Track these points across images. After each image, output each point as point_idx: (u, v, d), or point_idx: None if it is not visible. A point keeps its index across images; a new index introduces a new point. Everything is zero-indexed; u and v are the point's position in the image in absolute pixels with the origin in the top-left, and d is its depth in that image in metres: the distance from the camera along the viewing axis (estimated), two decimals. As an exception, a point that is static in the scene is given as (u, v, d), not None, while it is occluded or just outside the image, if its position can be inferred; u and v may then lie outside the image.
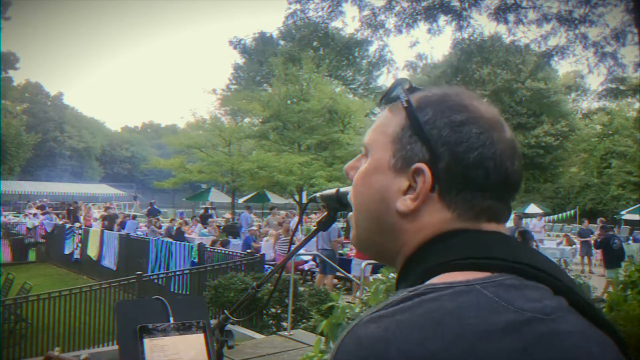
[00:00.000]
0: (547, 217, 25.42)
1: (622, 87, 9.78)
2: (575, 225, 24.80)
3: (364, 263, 7.43)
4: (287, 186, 19.15)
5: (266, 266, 9.28)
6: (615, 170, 30.67)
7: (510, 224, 10.26)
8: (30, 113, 47.71)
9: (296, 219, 18.46)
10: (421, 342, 0.49)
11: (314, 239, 9.78)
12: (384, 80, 38.59)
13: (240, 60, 39.87)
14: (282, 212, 19.98)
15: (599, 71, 7.86)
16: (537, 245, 12.31)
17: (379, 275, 3.25)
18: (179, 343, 1.27)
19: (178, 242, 11.55)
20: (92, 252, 13.71)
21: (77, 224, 16.32)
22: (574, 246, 15.06)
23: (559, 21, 7.13)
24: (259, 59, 35.14)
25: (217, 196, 28.34)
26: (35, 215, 20.67)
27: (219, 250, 10.46)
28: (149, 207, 21.01)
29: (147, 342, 1.23)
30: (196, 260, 10.31)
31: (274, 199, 25.11)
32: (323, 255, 8.89)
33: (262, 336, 6.38)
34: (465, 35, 7.60)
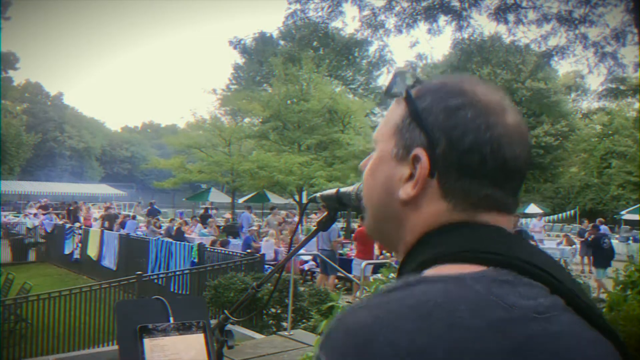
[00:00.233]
0: (547, 217, 25.43)
1: (622, 87, 9.78)
2: (575, 225, 24.81)
3: (364, 263, 7.43)
4: (287, 186, 19.16)
5: (266, 266, 9.28)
6: (615, 170, 30.67)
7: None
8: (30, 113, 47.71)
9: (296, 219, 18.48)
10: (408, 334, 0.49)
11: (314, 239, 9.78)
12: (384, 80, 38.59)
13: (240, 60, 39.89)
14: (283, 212, 19.99)
15: (599, 71, 7.87)
16: (536, 245, 12.33)
17: (379, 275, 3.25)
18: (179, 343, 1.27)
19: (178, 242, 11.55)
20: (92, 252, 13.71)
21: (77, 224, 16.32)
22: (574, 246, 15.06)
23: (559, 21, 7.13)
24: (259, 59, 35.14)
25: (217, 196, 28.34)
26: (35, 215, 20.67)
27: (219, 250, 10.46)
28: (149, 207, 21.01)
29: (147, 342, 1.23)
30: (196, 260, 10.30)
31: (274, 199, 25.11)
32: (323, 256, 8.89)
33: (262, 336, 6.38)
34: (465, 35, 7.60)
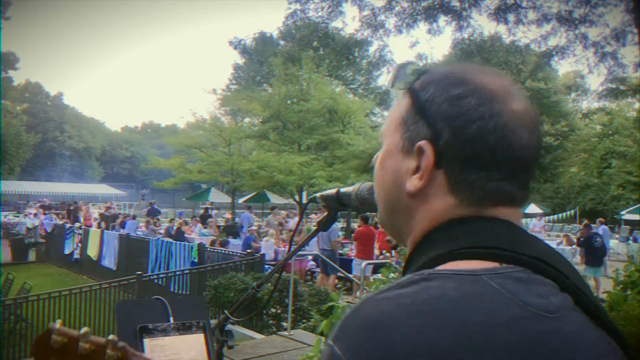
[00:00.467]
0: (547, 217, 25.43)
1: (622, 87, 9.78)
2: (575, 225, 24.80)
3: (364, 263, 7.44)
4: (287, 186, 19.16)
5: (266, 266, 9.28)
6: (615, 170, 30.67)
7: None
8: (30, 113, 47.71)
9: (296, 219, 18.48)
10: (423, 329, 0.49)
11: (314, 239, 9.79)
12: (384, 80, 38.63)
13: (240, 60, 39.89)
14: (283, 212, 19.99)
15: (599, 71, 7.87)
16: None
17: (379, 275, 3.25)
18: (179, 343, 1.27)
19: (178, 242, 11.55)
20: (92, 252, 13.71)
21: (77, 224, 16.32)
22: (573, 246, 15.04)
23: (559, 21, 7.13)
24: (259, 59, 35.14)
25: (217, 196, 28.34)
26: (35, 215, 20.68)
27: (219, 250, 10.45)
28: (149, 207, 21.01)
29: (147, 342, 1.23)
30: (196, 260, 10.30)
31: (274, 199, 25.11)
32: (323, 256, 8.90)
33: (262, 336, 6.38)
34: (465, 36, 7.60)
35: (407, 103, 0.66)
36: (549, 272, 0.57)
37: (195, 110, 53.27)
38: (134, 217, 18.10)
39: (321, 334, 3.01)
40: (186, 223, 16.79)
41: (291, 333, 5.78)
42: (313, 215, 21.32)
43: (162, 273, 10.29)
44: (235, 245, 13.37)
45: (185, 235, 14.72)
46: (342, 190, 0.99)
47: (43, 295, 7.41)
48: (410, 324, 0.50)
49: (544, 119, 33.53)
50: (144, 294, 8.15)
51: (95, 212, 22.15)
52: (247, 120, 25.49)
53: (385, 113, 36.90)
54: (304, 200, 18.94)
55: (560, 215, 28.25)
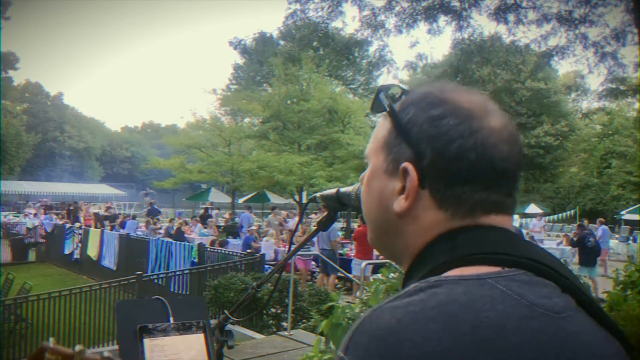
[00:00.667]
0: (547, 217, 25.44)
1: (622, 87, 9.77)
2: (575, 225, 24.76)
3: (364, 263, 7.43)
4: (287, 186, 19.16)
5: (266, 266, 9.28)
6: (615, 170, 30.67)
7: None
8: (30, 113, 47.71)
9: (296, 219, 18.48)
10: (436, 335, 0.49)
11: (314, 239, 9.78)
12: (384, 80, 38.62)
13: (240, 60, 39.91)
14: (283, 212, 19.99)
15: (599, 71, 7.86)
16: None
17: (379, 275, 3.25)
18: (178, 343, 1.27)
19: (178, 242, 11.55)
20: (92, 252, 13.71)
21: (77, 224, 16.32)
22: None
23: (559, 21, 7.13)
24: (259, 59, 35.14)
25: (217, 196, 28.34)
26: (35, 215, 20.68)
27: (219, 250, 10.45)
28: (149, 207, 21.01)
29: (147, 342, 1.23)
30: (196, 260, 10.30)
31: (274, 199, 25.11)
32: (323, 256, 8.90)
33: (262, 336, 6.38)
34: (465, 36, 7.59)
35: (388, 125, 0.67)
36: (549, 274, 0.58)
37: (195, 110, 53.26)
38: (134, 217, 18.10)
39: (321, 334, 3.01)
40: (186, 223, 16.79)
41: (291, 333, 5.78)
42: (313, 215, 21.33)
43: (162, 273, 10.29)
44: (235, 245, 13.37)
45: (185, 235, 14.73)
46: (342, 190, 0.99)
47: (43, 295, 7.41)
48: (421, 330, 0.50)
49: (544, 119, 33.58)
50: (144, 294, 8.16)
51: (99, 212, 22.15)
52: (247, 120, 25.50)
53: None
54: (304, 200, 18.93)
55: (560, 215, 28.25)
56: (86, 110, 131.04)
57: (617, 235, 20.28)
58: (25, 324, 7.60)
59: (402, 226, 0.65)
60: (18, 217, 22.79)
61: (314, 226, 1.06)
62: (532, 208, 26.01)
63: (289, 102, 21.01)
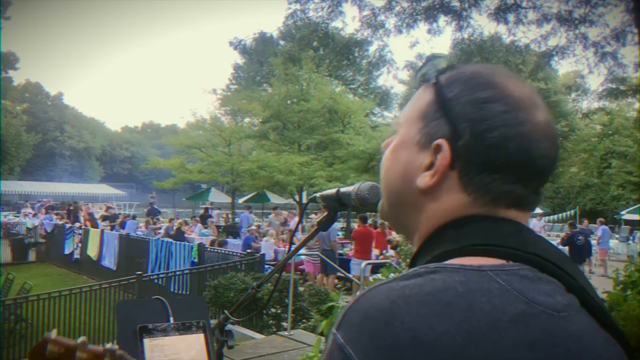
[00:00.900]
0: (547, 217, 25.44)
1: (622, 87, 9.78)
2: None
3: (364, 263, 7.44)
4: (287, 186, 19.15)
5: (266, 266, 9.28)
6: (615, 170, 30.66)
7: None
8: (30, 113, 47.70)
9: (296, 219, 18.48)
10: (427, 321, 0.49)
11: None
12: (384, 80, 38.65)
13: (240, 60, 39.89)
14: (285, 212, 20.00)
15: (599, 71, 7.88)
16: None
17: (379, 275, 3.25)
18: (178, 343, 1.27)
19: (178, 242, 11.55)
20: (92, 252, 13.71)
21: (77, 224, 16.31)
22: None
23: (559, 21, 7.13)
24: (259, 59, 35.13)
25: (217, 196, 28.35)
26: (35, 215, 20.67)
27: (219, 250, 10.45)
28: (149, 207, 21.01)
29: (147, 342, 1.23)
30: (196, 260, 10.30)
31: (274, 199, 25.11)
32: (323, 256, 8.90)
33: (262, 336, 6.38)
34: (465, 36, 7.60)
35: (430, 97, 0.65)
36: (555, 272, 0.57)
37: (195, 110, 53.42)
38: (134, 217, 18.10)
39: (321, 334, 3.01)
40: (186, 223, 16.79)
41: (291, 333, 5.78)
42: (313, 215, 21.33)
43: (162, 273, 10.29)
44: (235, 245, 13.37)
45: (185, 235, 14.73)
46: (342, 190, 0.99)
47: (43, 295, 7.40)
48: (413, 314, 0.50)
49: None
50: (144, 294, 8.15)
51: (94, 212, 22.15)
52: (247, 120, 25.49)
53: (386, 113, 36.92)
54: (304, 200, 18.94)
55: (560, 215, 28.24)
56: (86, 110, 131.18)
57: (617, 235, 20.27)
58: (25, 324, 7.60)
59: (421, 203, 0.64)
60: (18, 217, 22.79)
61: (314, 226, 1.06)
62: (532, 208, 25.97)
63: (289, 102, 21.01)
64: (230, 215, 22.92)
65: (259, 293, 1.15)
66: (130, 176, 55.94)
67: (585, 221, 18.05)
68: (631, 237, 19.16)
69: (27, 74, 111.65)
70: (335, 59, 30.74)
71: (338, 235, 12.69)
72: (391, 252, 10.70)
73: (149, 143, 63.74)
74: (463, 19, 7.33)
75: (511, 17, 7.20)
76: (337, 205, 1.02)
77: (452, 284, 0.52)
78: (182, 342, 1.27)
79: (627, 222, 23.23)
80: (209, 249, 10.64)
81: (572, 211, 27.76)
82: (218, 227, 18.47)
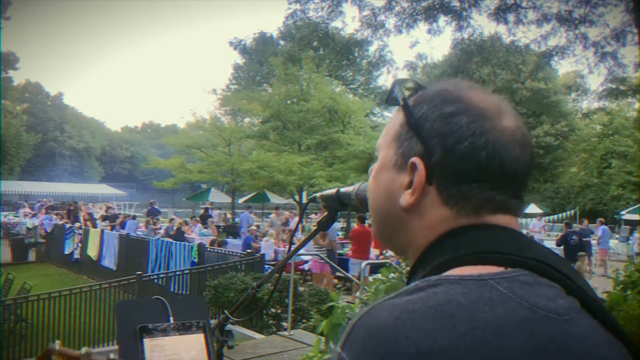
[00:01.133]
0: (547, 217, 25.43)
1: (622, 87, 9.78)
2: (575, 225, 24.77)
3: (364, 263, 7.44)
4: (287, 186, 19.15)
5: (266, 266, 9.28)
6: (615, 170, 30.67)
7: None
8: (30, 113, 47.69)
9: (296, 219, 18.48)
10: (432, 334, 0.49)
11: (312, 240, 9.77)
12: (384, 80, 38.61)
13: (240, 60, 39.89)
14: (286, 212, 20.00)
15: (599, 71, 7.87)
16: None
17: (379, 275, 3.25)
18: (178, 343, 1.27)
19: (178, 242, 11.54)
20: (92, 252, 13.71)
21: (77, 224, 16.31)
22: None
23: (559, 21, 7.13)
24: (259, 59, 35.13)
25: (217, 196, 28.35)
26: (35, 215, 20.66)
27: (219, 250, 10.45)
28: (149, 207, 21.01)
29: (147, 342, 1.23)
30: (196, 260, 10.30)
31: (274, 199, 25.11)
32: (323, 255, 8.89)
33: (262, 336, 6.37)
34: (465, 36, 7.60)
35: (401, 119, 0.67)
36: (554, 275, 0.57)
37: (195, 110, 53.41)
38: (134, 217, 18.10)
39: (321, 334, 3.01)
40: (186, 223, 16.80)
41: (291, 333, 5.78)
42: (313, 215, 21.33)
43: (162, 273, 10.29)
44: (235, 245, 13.37)
45: (185, 235, 14.73)
46: (342, 190, 1.00)
47: (43, 295, 7.41)
48: (418, 329, 0.50)
49: (544, 119, 33.57)
50: (144, 294, 8.15)
51: (94, 212, 22.15)
52: (247, 120, 25.49)
53: (386, 113, 36.92)
54: (304, 200, 18.93)
55: (560, 215, 28.23)
56: (86, 110, 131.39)
57: (617, 235, 20.28)
58: (25, 324, 7.60)
59: (407, 221, 0.65)
60: (18, 217, 22.79)
61: (314, 226, 1.06)
62: (532, 208, 26.00)
63: (289, 102, 21.01)
64: (230, 215, 22.92)
65: (259, 293, 1.15)
66: (130, 176, 55.95)
67: (585, 221, 18.04)
68: (631, 237, 19.17)
69: (27, 74, 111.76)
70: (335, 59, 30.72)
71: (338, 235, 12.70)
72: (391, 252, 10.70)
73: (149, 143, 63.74)
74: (463, 19, 7.33)
75: (511, 17, 7.20)
76: (337, 205, 1.02)
77: (454, 296, 0.52)
78: (182, 342, 1.27)
79: (627, 222, 23.23)
80: (209, 249, 10.64)
81: (572, 211, 27.77)
82: (218, 227, 18.46)
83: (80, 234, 14.69)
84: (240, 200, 25.67)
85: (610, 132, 32.93)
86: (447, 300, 0.52)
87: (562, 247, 11.80)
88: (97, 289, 7.96)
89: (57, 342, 0.76)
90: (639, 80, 9.08)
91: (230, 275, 7.84)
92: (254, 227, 15.51)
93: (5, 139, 36.01)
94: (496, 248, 0.59)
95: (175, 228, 15.04)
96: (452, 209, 0.62)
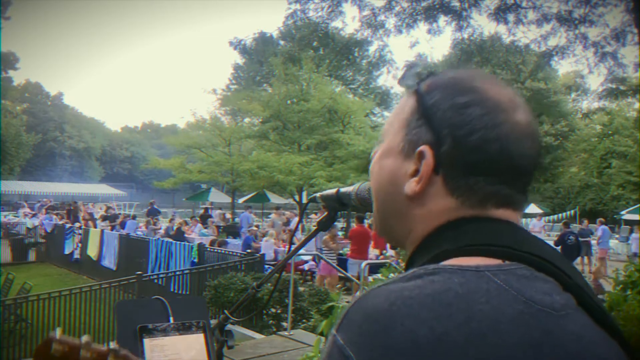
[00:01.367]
0: (547, 217, 25.43)
1: (622, 87, 9.78)
2: (575, 225, 24.78)
3: (363, 263, 7.43)
4: (287, 186, 19.15)
5: (266, 266, 9.28)
6: (615, 170, 30.66)
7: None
8: (30, 113, 47.69)
9: (296, 219, 18.48)
10: (427, 322, 0.49)
11: (313, 239, 9.76)
12: (384, 80, 38.64)
13: (240, 60, 39.89)
14: (287, 212, 20.00)
15: (599, 71, 7.88)
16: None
17: (379, 275, 3.25)
18: (179, 343, 1.27)
19: (178, 242, 11.55)
20: (92, 252, 13.71)
21: (77, 224, 16.31)
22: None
23: (559, 21, 7.13)
24: (259, 59, 35.13)
25: (217, 196, 28.34)
26: (35, 215, 20.66)
27: (219, 250, 10.45)
28: (149, 207, 21.00)
29: (147, 342, 1.23)
30: (196, 260, 10.30)
31: (274, 199, 25.11)
32: (323, 255, 8.88)
33: (262, 336, 6.37)
34: (465, 36, 7.60)
35: (412, 105, 0.66)
36: (551, 270, 0.57)
37: (195, 110, 53.37)
38: (134, 217, 18.10)
39: (321, 334, 3.01)
40: (186, 223, 16.80)
41: (291, 333, 5.78)
42: (313, 215, 21.33)
43: (162, 273, 10.29)
44: (235, 245, 13.37)
45: (185, 235, 14.73)
46: (342, 190, 0.99)
47: (43, 295, 7.40)
48: (413, 316, 0.50)
49: (544, 119, 33.56)
50: (144, 294, 8.15)
51: (94, 212, 22.16)
52: (247, 120, 25.49)
53: (386, 113, 36.92)
54: (304, 200, 18.93)
55: (560, 215, 28.23)
56: (86, 110, 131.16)
57: (617, 235, 20.27)
58: (25, 324, 7.60)
59: (410, 209, 0.65)
60: (18, 217, 22.79)
61: (314, 226, 1.06)
62: (532, 208, 25.99)
63: (289, 102, 21.00)
64: (230, 215, 22.92)
65: (259, 293, 1.15)
66: (130, 176, 55.94)
67: (585, 221, 18.03)
68: (630, 237, 19.17)
69: (27, 74, 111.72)
70: (335, 59, 30.74)
71: (338, 235, 12.67)
72: (391, 252, 10.70)
73: (149, 143, 63.73)
74: (463, 19, 7.33)
75: (511, 17, 7.21)
76: (337, 205, 1.02)
77: (451, 285, 0.52)
78: (182, 342, 1.27)
79: (627, 222, 23.22)
80: (209, 249, 10.64)
81: (572, 211, 27.77)
82: (218, 227, 18.46)
83: (80, 234, 14.69)
84: (240, 200, 25.67)
85: (610, 132, 32.92)
86: (444, 289, 0.51)
87: (559, 247, 11.82)
88: (97, 289, 7.96)
89: (58, 330, 0.76)
90: (639, 80, 9.09)
91: (230, 275, 7.83)
92: (254, 227, 15.51)
93: (5, 139, 36.00)
94: (496, 241, 0.58)
95: (175, 228, 15.04)
96: (457, 200, 0.62)
